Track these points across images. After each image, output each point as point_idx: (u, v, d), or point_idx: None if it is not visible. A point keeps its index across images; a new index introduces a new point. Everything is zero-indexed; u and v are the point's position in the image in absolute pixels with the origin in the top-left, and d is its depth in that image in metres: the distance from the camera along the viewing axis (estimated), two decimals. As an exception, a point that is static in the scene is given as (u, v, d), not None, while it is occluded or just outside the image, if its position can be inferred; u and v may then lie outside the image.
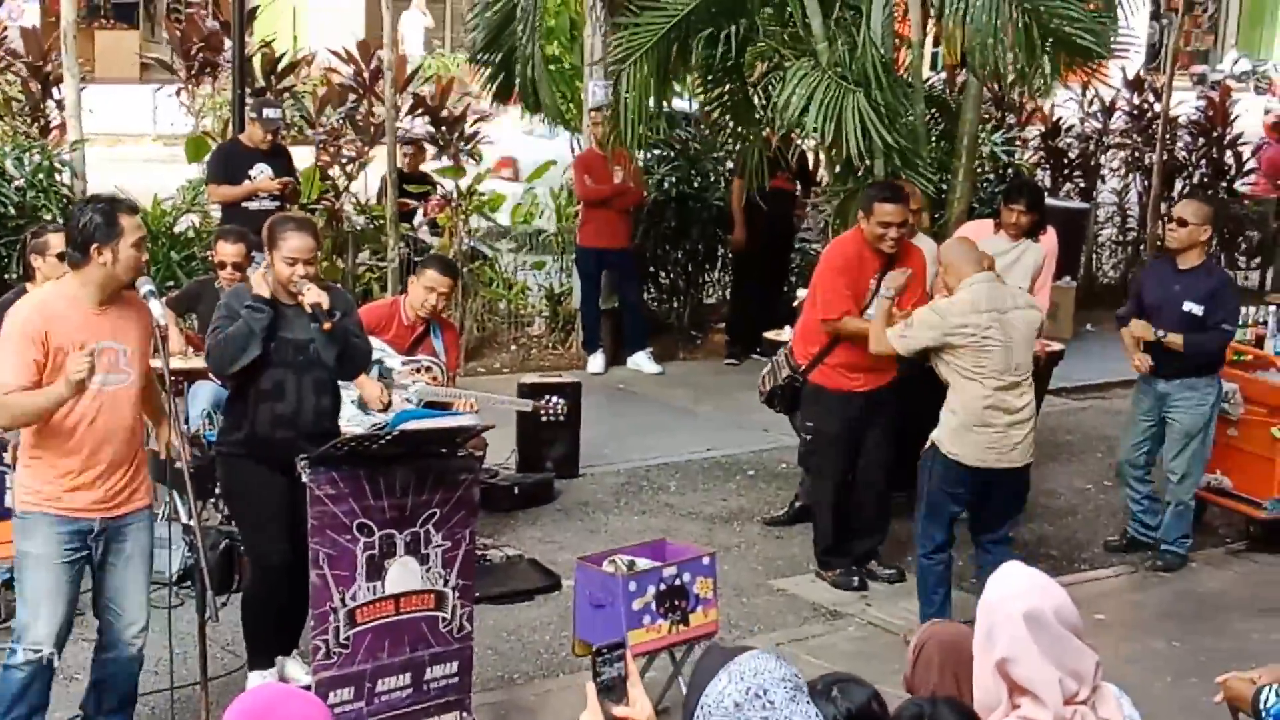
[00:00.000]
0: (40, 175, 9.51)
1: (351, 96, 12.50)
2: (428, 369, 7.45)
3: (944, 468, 6.84)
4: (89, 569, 5.47)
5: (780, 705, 2.86)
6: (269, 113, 10.26)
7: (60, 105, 11.55)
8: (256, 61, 12.95)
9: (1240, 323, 8.87)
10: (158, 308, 5.23)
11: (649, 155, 12.54)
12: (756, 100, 9.25)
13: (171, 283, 9.64)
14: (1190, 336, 7.79)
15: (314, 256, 5.90)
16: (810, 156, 11.93)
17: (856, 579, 7.75)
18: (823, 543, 7.86)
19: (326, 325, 5.82)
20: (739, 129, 9.56)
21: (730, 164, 12.37)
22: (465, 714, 5.93)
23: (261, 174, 10.05)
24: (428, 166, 12.64)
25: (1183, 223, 7.92)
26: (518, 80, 10.53)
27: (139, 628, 5.51)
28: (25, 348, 5.16)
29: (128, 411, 5.37)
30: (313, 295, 5.80)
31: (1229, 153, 15.46)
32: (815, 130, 8.31)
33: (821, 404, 7.67)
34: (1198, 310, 7.81)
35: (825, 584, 7.79)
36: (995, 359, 6.72)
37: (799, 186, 12.14)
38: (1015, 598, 3.49)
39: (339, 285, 6.54)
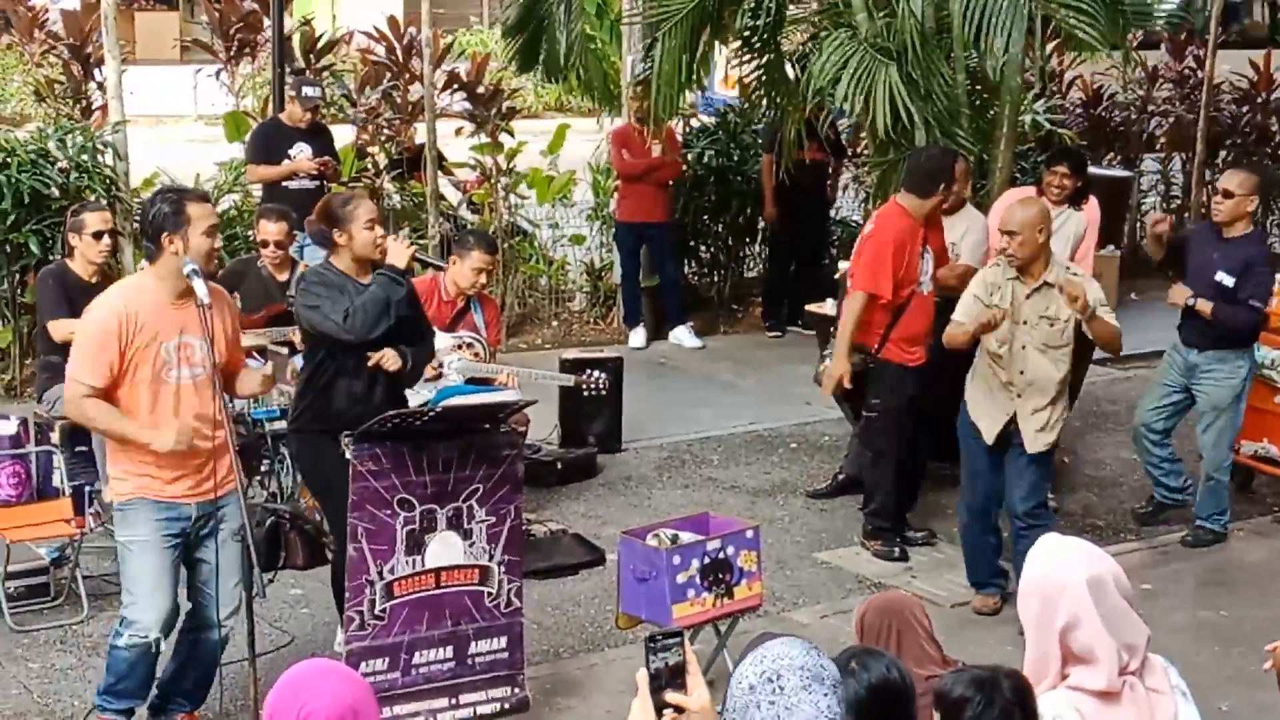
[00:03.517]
0: (84, 157, 9.56)
1: (388, 75, 12.51)
2: (469, 345, 7.48)
3: None
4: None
5: (789, 692, 2.81)
6: (308, 91, 10.28)
7: (101, 87, 11.61)
8: (296, 41, 12.98)
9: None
10: (201, 287, 5.24)
11: (688, 129, 12.50)
12: (792, 72, 9.20)
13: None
14: (1220, 307, 7.69)
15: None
16: (844, 127, 11.86)
17: (898, 550, 7.76)
18: (881, 518, 7.82)
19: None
20: (776, 100, 9.51)
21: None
22: (516, 689, 5.95)
23: (301, 153, 10.07)
24: (464, 144, 12.61)
25: (1228, 194, 7.78)
26: (544, 53, 10.47)
27: (231, 609, 5.54)
28: (103, 348, 5.21)
29: (209, 401, 5.37)
30: (401, 251, 5.97)
31: (1274, 118, 15.29)
32: (845, 101, 8.27)
33: (888, 380, 7.62)
34: (1228, 281, 7.70)
35: (868, 555, 7.79)
36: None
37: (833, 158, 12.05)
38: (1075, 566, 3.47)
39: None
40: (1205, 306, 7.69)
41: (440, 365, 7.24)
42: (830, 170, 12.23)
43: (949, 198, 7.68)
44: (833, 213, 12.99)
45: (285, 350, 5.81)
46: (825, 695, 2.81)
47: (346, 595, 5.61)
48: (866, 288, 7.46)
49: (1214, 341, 7.80)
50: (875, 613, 4.15)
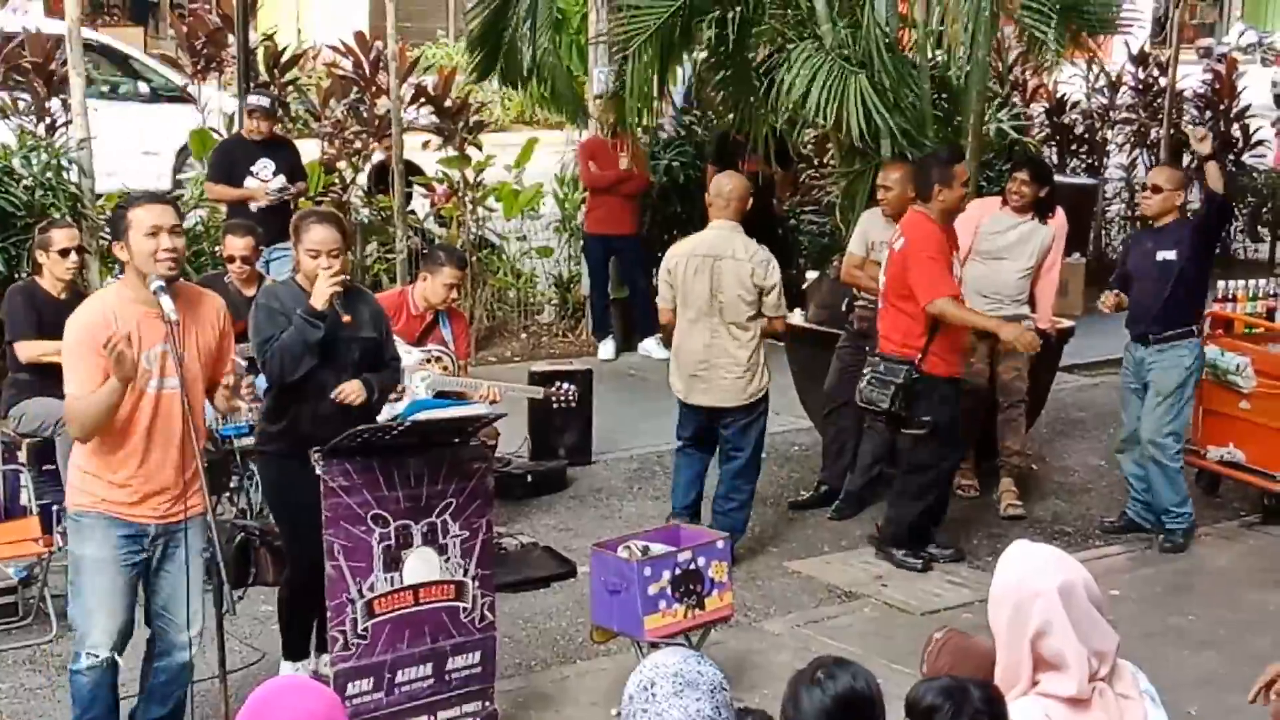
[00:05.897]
0: (48, 174, 9.52)
1: (355, 89, 12.50)
2: (438, 359, 7.47)
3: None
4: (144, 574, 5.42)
5: (661, 698, 2.94)
6: (253, 99, 10.26)
7: (66, 104, 11.55)
8: (260, 56, 12.94)
9: (1251, 295, 8.88)
10: (168, 303, 5.18)
11: (654, 141, 12.51)
12: (758, 84, 9.23)
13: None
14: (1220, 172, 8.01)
15: (338, 249, 5.90)
16: (788, 139, 11.81)
17: (922, 561, 7.72)
18: (908, 522, 7.76)
19: (346, 318, 5.87)
20: (744, 110, 9.54)
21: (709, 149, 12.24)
22: (486, 703, 5.94)
23: (264, 169, 10.06)
24: (432, 157, 12.61)
25: (1157, 189, 7.91)
26: (502, 64, 10.40)
27: (199, 627, 5.42)
28: (90, 356, 5.10)
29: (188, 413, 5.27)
30: (322, 289, 5.81)
31: (1236, 125, 15.41)
32: (818, 113, 8.29)
33: (939, 392, 7.50)
34: (1171, 255, 7.80)
35: (880, 559, 7.84)
36: (693, 301, 7.45)
37: (777, 168, 11.92)
38: (1044, 573, 3.49)
39: (367, 289, 6.53)
40: (1214, 176, 7.88)
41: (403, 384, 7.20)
42: (773, 181, 12.10)
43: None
44: (796, 223, 12.98)
45: (244, 363, 5.75)
46: (698, 700, 2.94)
47: (328, 615, 5.55)
48: (942, 293, 7.29)
49: (1160, 333, 7.88)
50: (958, 665, 4.03)
